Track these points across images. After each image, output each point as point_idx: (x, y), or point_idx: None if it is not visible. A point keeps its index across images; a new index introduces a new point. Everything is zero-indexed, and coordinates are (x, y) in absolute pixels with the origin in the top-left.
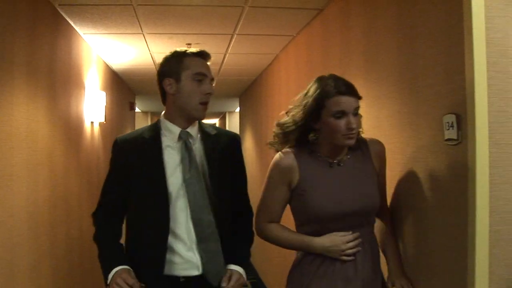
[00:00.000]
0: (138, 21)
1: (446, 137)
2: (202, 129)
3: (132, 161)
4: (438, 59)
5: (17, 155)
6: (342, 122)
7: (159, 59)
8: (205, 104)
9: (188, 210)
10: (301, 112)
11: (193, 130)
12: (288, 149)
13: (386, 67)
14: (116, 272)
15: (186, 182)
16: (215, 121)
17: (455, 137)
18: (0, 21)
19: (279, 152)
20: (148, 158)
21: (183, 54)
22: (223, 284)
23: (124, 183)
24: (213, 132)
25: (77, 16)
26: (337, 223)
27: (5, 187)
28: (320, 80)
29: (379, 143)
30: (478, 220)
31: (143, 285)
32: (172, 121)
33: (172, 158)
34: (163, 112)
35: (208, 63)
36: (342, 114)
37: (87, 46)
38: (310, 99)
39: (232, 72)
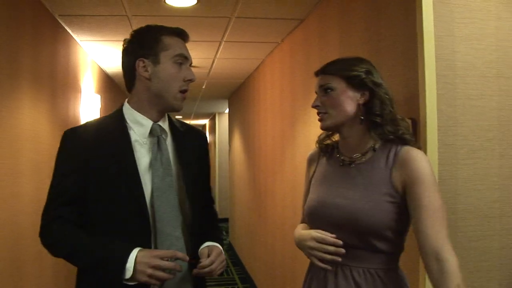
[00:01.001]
0: (132, 29)
1: None
2: (172, 123)
3: (95, 160)
4: (398, 70)
5: (23, 155)
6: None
7: None
8: (185, 92)
9: (156, 224)
10: None
11: (165, 124)
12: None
13: None
14: (137, 257)
15: (155, 190)
16: (205, 121)
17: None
18: (6, 32)
19: None
20: (116, 157)
21: (161, 31)
22: (202, 261)
23: (83, 190)
24: (182, 127)
25: (75, 25)
26: (331, 231)
27: (13, 185)
28: None
29: (412, 156)
30: None
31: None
32: (141, 111)
33: (142, 158)
34: (126, 100)
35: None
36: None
37: (83, 51)
38: None
39: (221, 75)
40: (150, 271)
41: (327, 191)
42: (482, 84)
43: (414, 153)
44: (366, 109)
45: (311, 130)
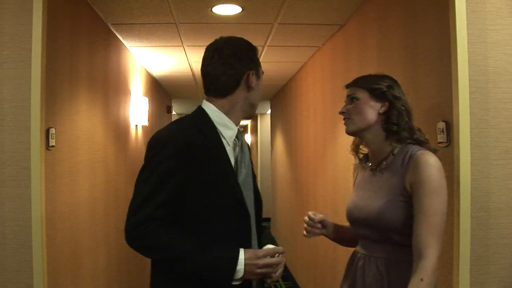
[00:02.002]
0: (180, 36)
1: (438, 140)
2: None
3: (195, 162)
4: (433, 76)
5: (81, 154)
6: None
7: (196, 66)
8: None
9: None
10: None
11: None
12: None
13: (396, 78)
14: (246, 260)
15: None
16: (247, 122)
17: (445, 140)
18: (68, 41)
19: None
20: (214, 158)
21: (256, 48)
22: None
23: (182, 191)
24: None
25: (126, 33)
26: (357, 229)
27: (73, 182)
28: None
29: (422, 160)
30: (461, 208)
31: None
32: (229, 116)
33: (230, 159)
34: (207, 103)
35: None
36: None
37: (132, 56)
38: None
39: (263, 78)
40: (259, 271)
41: (359, 195)
42: None
43: (425, 157)
44: (385, 118)
45: None
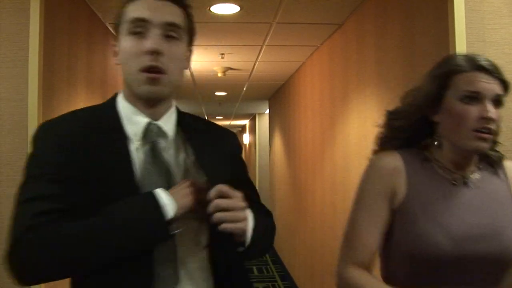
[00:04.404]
0: None
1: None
2: (184, 121)
3: (80, 166)
4: None
5: None
6: (473, 109)
7: (195, 66)
8: (150, 70)
9: None
10: (418, 97)
11: (168, 122)
12: (392, 151)
13: (394, 77)
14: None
15: None
16: (246, 122)
17: None
18: (66, 41)
19: (379, 153)
20: (110, 165)
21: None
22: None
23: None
24: (202, 126)
25: None
26: (455, 273)
27: None
28: (449, 56)
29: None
30: None
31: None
32: (132, 103)
33: (139, 165)
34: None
35: (168, 2)
36: (475, 97)
37: None
38: (432, 77)
39: (261, 77)
40: (188, 190)
41: (458, 225)
42: None
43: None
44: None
45: (350, 131)
